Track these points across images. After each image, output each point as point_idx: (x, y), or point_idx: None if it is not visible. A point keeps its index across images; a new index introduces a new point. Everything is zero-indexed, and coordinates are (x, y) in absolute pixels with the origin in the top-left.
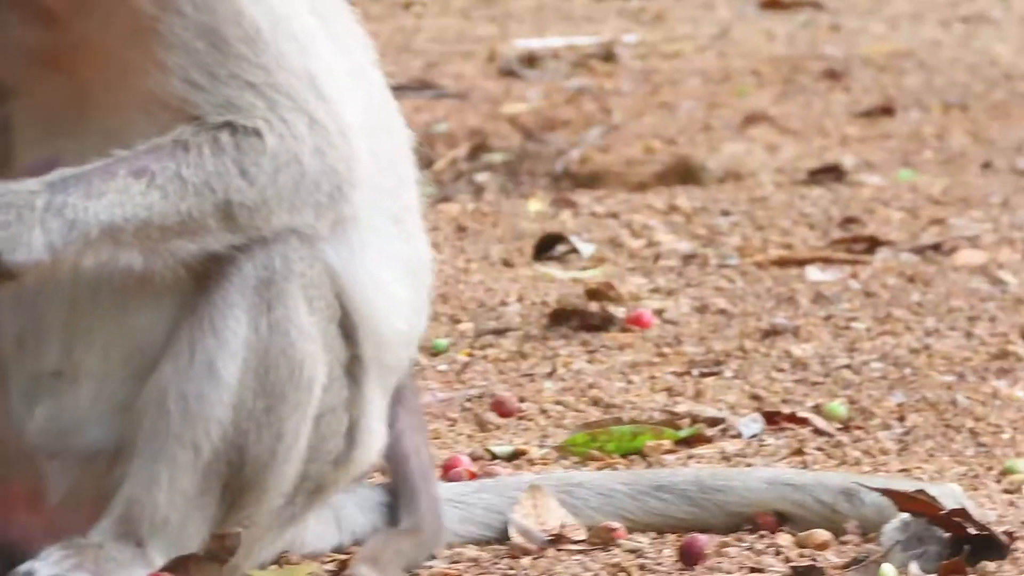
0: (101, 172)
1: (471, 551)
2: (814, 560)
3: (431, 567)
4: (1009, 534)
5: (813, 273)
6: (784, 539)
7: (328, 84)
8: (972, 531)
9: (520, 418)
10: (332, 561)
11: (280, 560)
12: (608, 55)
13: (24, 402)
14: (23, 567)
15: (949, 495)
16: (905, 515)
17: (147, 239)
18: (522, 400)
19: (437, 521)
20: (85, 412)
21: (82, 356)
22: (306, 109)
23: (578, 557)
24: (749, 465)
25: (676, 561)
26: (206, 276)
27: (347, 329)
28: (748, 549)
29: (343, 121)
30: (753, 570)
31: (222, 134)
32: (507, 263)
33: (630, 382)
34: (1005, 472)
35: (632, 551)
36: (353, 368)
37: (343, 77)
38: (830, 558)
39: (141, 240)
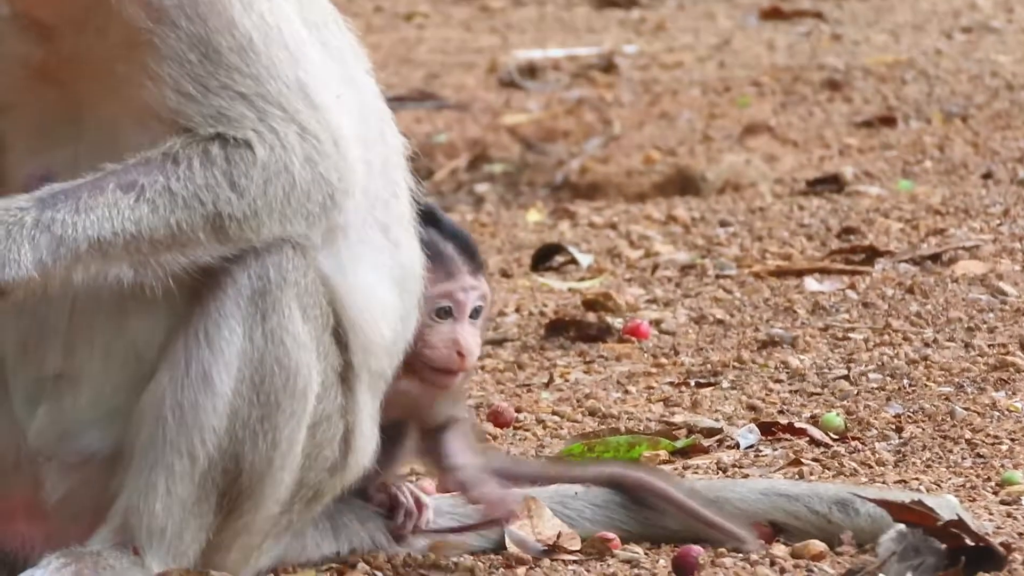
0: (90, 187)
1: (467, 561)
2: (810, 571)
3: None
4: (1007, 545)
5: (811, 284)
6: (779, 550)
7: (320, 93)
8: (969, 542)
9: (517, 428)
10: (329, 570)
11: (278, 568)
12: (608, 66)
13: (26, 405)
14: (24, 575)
15: (946, 506)
16: (901, 526)
17: (137, 252)
18: (519, 410)
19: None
20: (84, 415)
21: (83, 359)
22: (297, 119)
23: (573, 567)
24: (746, 476)
25: (671, 572)
26: (202, 286)
27: (339, 336)
28: (743, 560)
29: (335, 130)
30: None
31: (212, 146)
32: (505, 273)
33: (627, 392)
34: (1003, 483)
35: (627, 561)
36: (346, 375)
37: (335, 85)
38: (826, 569)
39: (131, 254)
